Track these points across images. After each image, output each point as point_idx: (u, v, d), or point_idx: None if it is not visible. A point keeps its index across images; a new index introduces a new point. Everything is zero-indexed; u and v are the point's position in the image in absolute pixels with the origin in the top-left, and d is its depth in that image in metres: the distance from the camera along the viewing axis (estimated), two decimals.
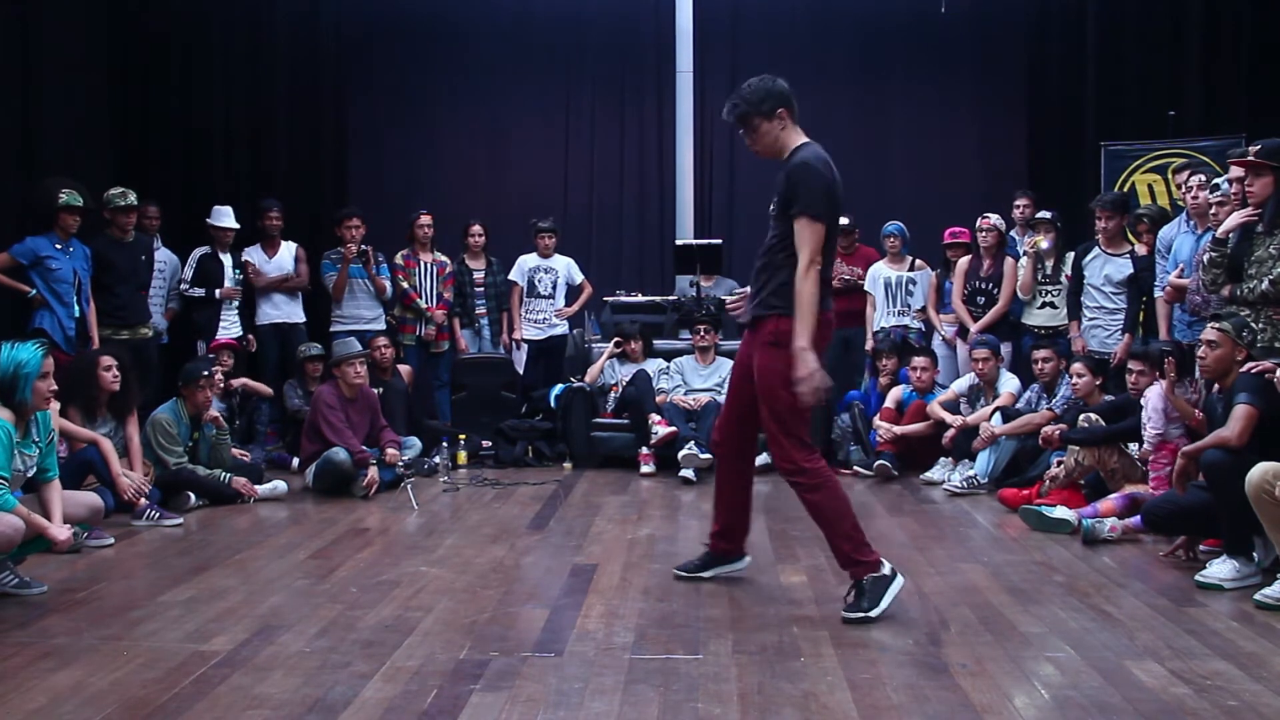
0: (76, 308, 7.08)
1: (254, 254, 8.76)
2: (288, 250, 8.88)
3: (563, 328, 9.12)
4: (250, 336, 8.61)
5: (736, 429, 4.60)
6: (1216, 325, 4.99)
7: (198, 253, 8.46)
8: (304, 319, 8.89)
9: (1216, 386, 5.08)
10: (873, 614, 4.09)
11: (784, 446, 4.27)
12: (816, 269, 4.13)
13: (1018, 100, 10.54)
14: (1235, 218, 5.48)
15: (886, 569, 4.19)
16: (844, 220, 8.92)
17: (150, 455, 6.51)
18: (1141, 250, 7.23)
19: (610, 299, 9.30)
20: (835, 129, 10.70)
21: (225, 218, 8.49)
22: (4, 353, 4.45)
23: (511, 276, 9.14)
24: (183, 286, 8.42)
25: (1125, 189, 9.10)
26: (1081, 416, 6.23)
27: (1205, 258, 5.58)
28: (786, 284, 4.19)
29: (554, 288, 9.13)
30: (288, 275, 8.78)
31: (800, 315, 4.09)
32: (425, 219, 8.92)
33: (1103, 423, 6.10)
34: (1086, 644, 3.82)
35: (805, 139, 4.45)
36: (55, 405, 4.97)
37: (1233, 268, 5.40)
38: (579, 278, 9.28)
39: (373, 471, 6.92)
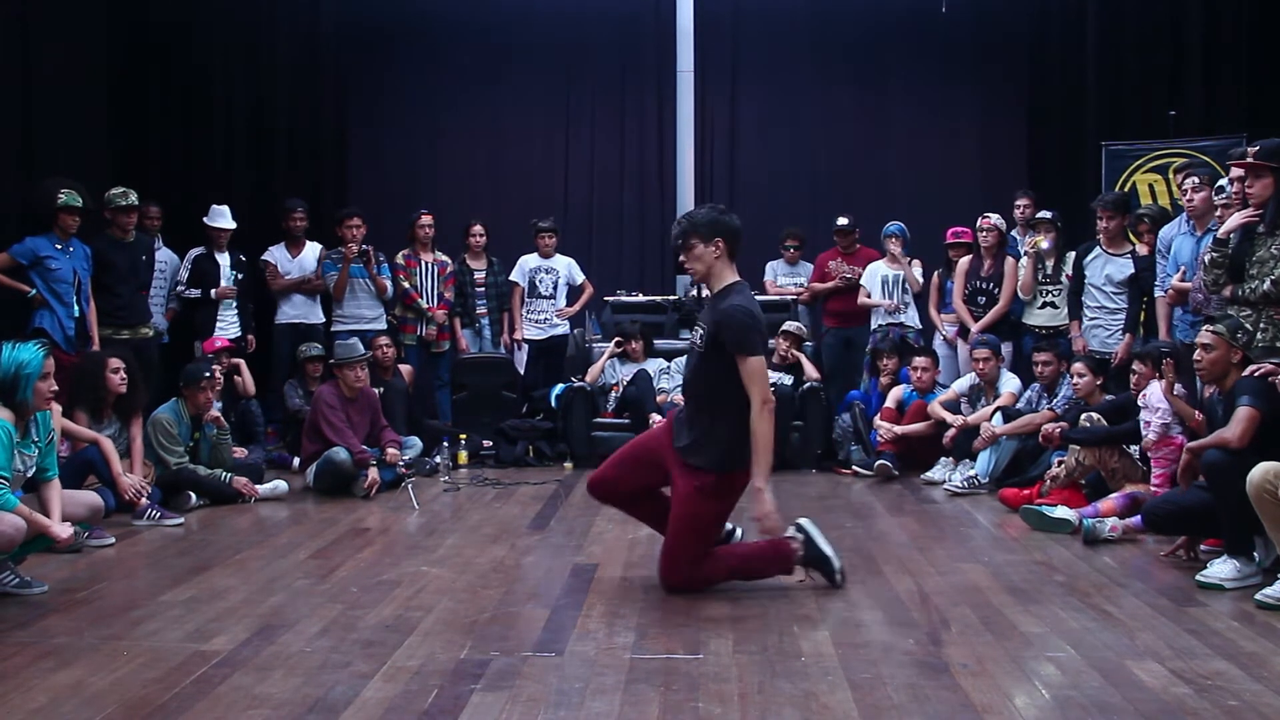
0: (76, 307, 7.08)
1: (276, 253, 8.76)
2: (312, 251, 8.86)
3: (563, 328, 9.12)
4: (250, 336, 8.60)
5: (628, 487, 4.75)
6: (1210, 328, 4.99)
7: (193, 253, 8.44)
8: (323, 320, 8.85)
9: (1215, 389, 5.08)
10: (836, 578, 4.51)
11: (678, 561, 4.47)
12: (771, 406, 4.26)
13: (1018, 100, 10.54)
14: (1236, 218, 5.48)
15: (797, 538, 4.51)
16: (843, 220, 9.00)
17: (151, 455, 6.51)
18: (1142, 250, 7.23)
19: (611, 299, 9.31)
20: (836, 128, 10.76)
21: (221, 218, 8.46)
22: (5, 353, 4.45)
23: (513, 277, 9.15)
24: (179, 288, 8.40)
25: (1126, 189, 9.10)
26: (1083, 416, 6.23)
27: (1207, 258, 5.58)
28: (726, 438, 4.36)
29: (555, 288, 9.14)
30: (306, 277, 8.78)
31: (758, 455, 4.25)
32: (426, 219, 8.92)
33: (1104, 422, 6.10)
34: (1087, 644, 3.82)
35: (737, 279, 4.52)
36: (57, 406, 4.97)
37: (1234, 268, 5.40)
38: (580, 278, 9.28)
39: (373, 472, 6.92)
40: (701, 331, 4.48)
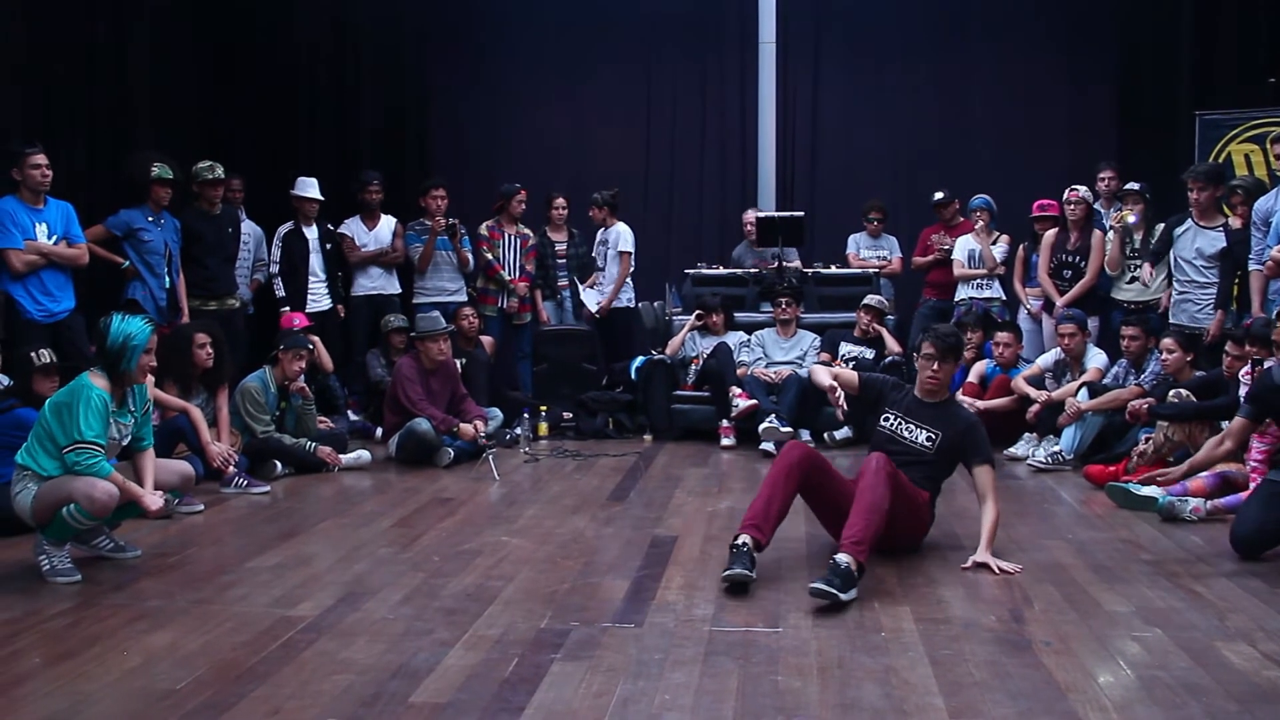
0: (167, 278, 7.23)
1: (353, 226, 8.82)
2: (387, 224, 8.92)
3: (618, 301, 9.09)
4: (339, 306, 8.67)
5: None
6: None
7: (283, 230, 8.46)
8: (399, 290, 8.92)
9: None
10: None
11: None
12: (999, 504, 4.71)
13: (1107, 68, 10.28)
14: None
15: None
16: (939, 195, 8.97)
17: (238, 424, 6.65)
18: (1236, 223, 7.04)
19: (691, 271, 9.27)
20: (919, 100, 10.59)
21: (310, 188, 8.49)
22: (115, 324, 4.56)
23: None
24: (272, 268, 8.45)
25: (1220, 160, 8.85)
26: (1171, 392, 6.09)
27: None
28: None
29: (606, 259, 9.13)
30: (384, 250, 8.85)
31: (989, 531, 4.59)
32: (523, 195, 8.93)
33: (1193, 399, 5.96)
34: (1174, 624, 3.75)
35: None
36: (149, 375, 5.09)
37: None
38: (626, 245, 9.14)
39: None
40: (928, 435, 4.76)
